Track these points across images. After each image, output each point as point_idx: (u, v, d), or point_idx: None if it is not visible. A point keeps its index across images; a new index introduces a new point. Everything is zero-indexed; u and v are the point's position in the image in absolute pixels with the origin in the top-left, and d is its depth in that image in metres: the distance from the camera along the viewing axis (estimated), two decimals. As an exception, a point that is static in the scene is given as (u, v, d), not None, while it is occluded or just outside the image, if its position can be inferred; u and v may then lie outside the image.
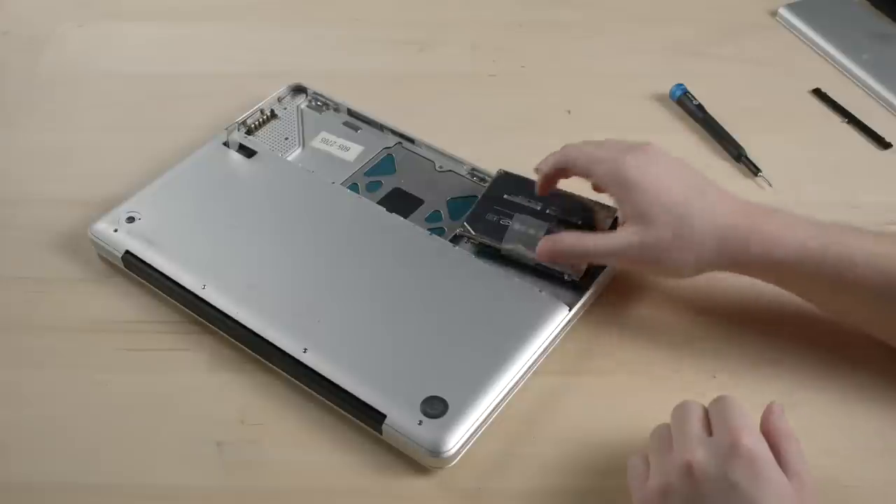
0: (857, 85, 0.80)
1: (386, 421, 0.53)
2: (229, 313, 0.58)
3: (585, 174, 0.60)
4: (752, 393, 0.53)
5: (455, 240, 0.63)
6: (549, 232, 0.62)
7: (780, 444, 0.48)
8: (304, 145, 0.72)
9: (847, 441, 0.55)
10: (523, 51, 0.84)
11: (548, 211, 0.64)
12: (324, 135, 0.73)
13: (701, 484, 0.46)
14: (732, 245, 0.55)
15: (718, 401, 0.50)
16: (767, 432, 0.49)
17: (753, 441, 0.46)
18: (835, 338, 0.60)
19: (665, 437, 0.49)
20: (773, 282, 0.57)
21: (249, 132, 0.72)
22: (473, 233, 0.63)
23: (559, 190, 0.64)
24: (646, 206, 0.56)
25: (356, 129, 0.73)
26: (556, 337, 0.58)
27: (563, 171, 0.61)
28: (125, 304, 0.62)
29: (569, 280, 0.61)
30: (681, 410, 0.50)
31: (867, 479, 0.53)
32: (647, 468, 0.49)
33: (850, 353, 0.59)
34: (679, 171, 0.58)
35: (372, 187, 0.68)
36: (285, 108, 0.75)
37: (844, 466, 0.54)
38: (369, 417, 0.54)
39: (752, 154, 0.72)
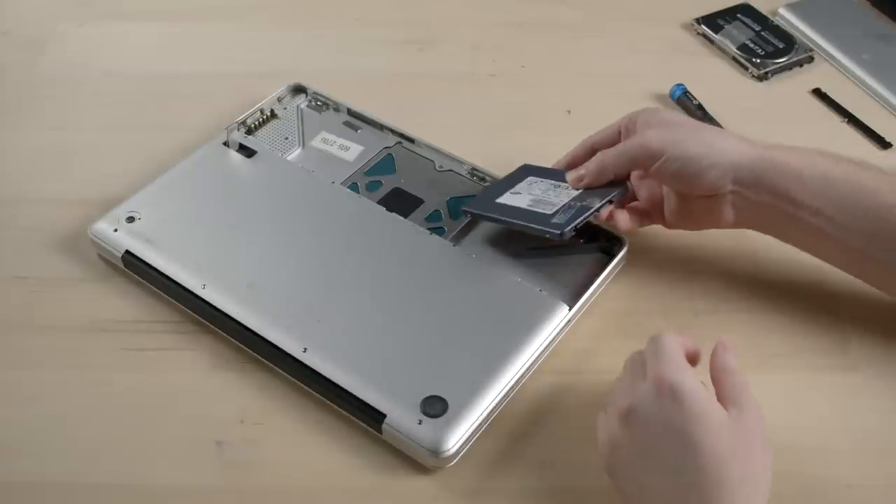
0: (857, 85, 0.80)
1: (386, 421, 0.53)
2: (229, 313, 0.58)
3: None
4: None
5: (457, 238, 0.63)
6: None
7: (721, 378, 0.49)
8: (304, 145, 0.72)
9: (847, 441, 0.55)
10: (523, 51, 0.84)
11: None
12: (324, 135, 0.73)
13: (639, 430, 0.46)
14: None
15: (649, 341, 0.50)
16: (713, 369, 0.50)
17: (674, 374, 0.47)
18: (835, 338, 0.60)
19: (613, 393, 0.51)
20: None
21: (249, 132, 0.72)
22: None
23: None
24: None
25: (356, 128, 0.73)
26: (556, 337, 0.58)
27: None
28: (125, 304, 0.62)
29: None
30: (628, 361, 0.51)
31: (867, 479, 0.53)
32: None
33: (851, 353, 0.59)
34: None
35: (372, 187, 0.68)
36: (285, 108, 0.75)
37: (844, 466, 0.54)
38: (369, 417, 0.54)
39: (752, 154, 0.72)
